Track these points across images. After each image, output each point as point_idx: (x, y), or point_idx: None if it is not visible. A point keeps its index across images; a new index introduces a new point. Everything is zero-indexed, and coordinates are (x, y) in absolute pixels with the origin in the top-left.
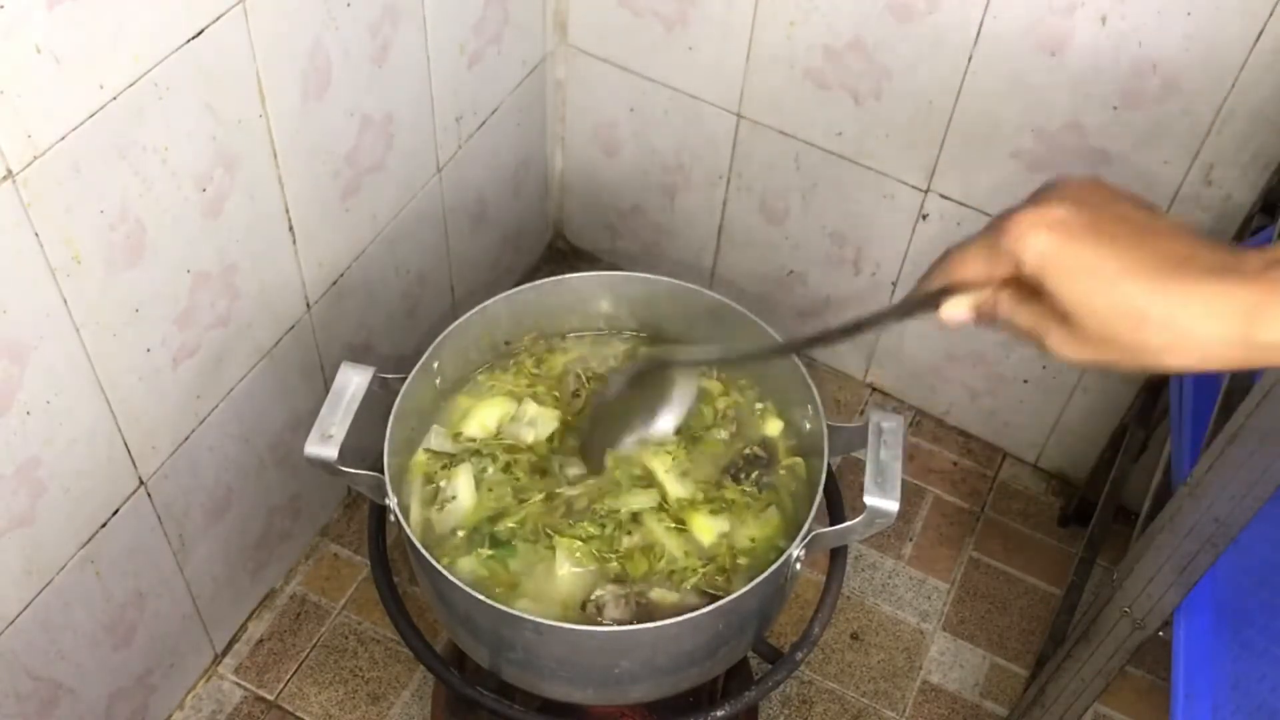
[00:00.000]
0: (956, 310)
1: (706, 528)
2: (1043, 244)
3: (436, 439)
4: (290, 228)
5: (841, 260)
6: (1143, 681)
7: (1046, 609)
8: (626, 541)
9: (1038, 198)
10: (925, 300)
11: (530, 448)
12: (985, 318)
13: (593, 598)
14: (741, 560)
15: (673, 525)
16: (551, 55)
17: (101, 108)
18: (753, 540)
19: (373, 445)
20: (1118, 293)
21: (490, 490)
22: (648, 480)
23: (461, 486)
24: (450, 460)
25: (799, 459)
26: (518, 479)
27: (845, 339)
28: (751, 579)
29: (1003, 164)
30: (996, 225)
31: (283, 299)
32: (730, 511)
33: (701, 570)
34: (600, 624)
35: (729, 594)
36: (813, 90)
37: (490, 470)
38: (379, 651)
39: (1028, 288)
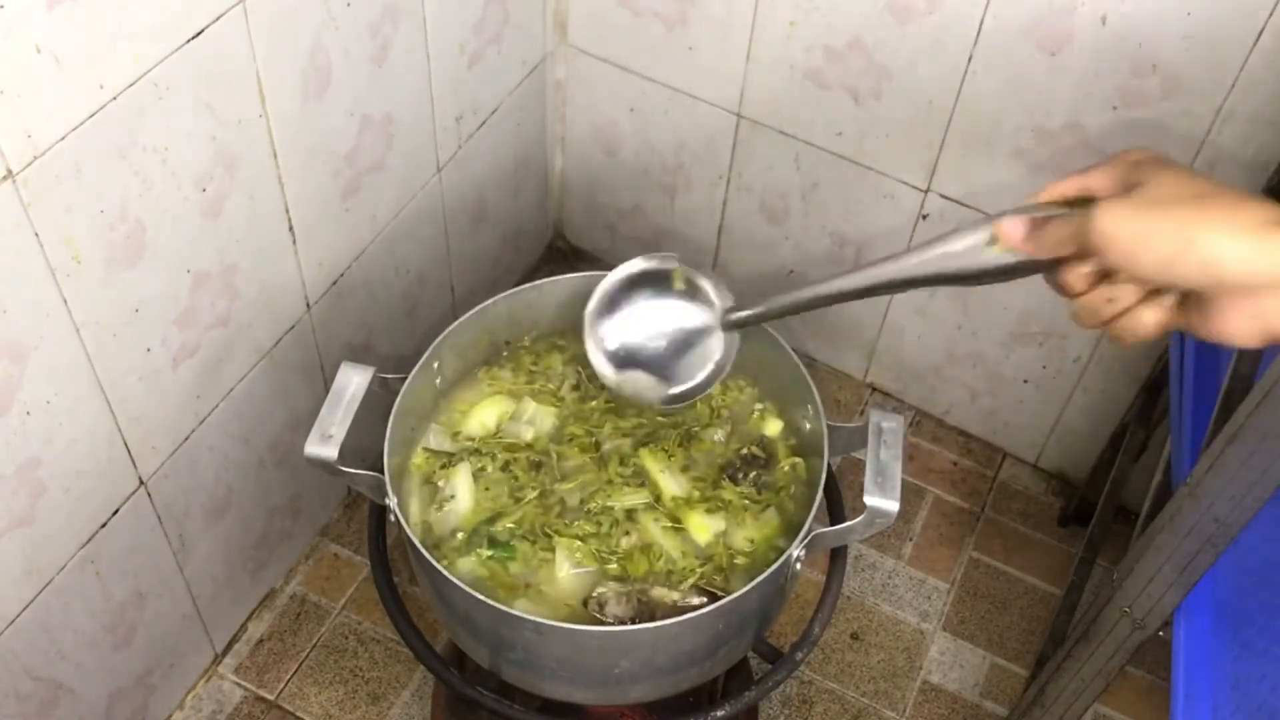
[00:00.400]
0: (1013, 222)
1: (702, 527)
2: (1146, 150)
3: (436, 438)
4: (290, 228)
5: (842, 260)
6: (1143, 681)
7: (1046, 609)
8: (625, 542)
9: (1111, 176)
10: (998, 216)
11: (529, 445)
12: (1035, 231)
13: (594, 595)
14: (740, 560)
15: (669, 524)
16: (551, 55)
17: (101, 108)
18: (751, 541)
19: (373, 445)
20: (1194, 179)
21: (488, 489)
22: (641, 478)
23: (460, 486)
24: (449, 460)
25: (799, 459)
26: (516, 478)
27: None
28: (751, 579)
29: (1003, 164)
30: (1078, 208)
31: (283, 299)
32: (727, 511)
33: (699, 570)
34: (602, 621)
35: (729, 594)
36: (813, 90)
37: (489, 469)
38: (379, 651)
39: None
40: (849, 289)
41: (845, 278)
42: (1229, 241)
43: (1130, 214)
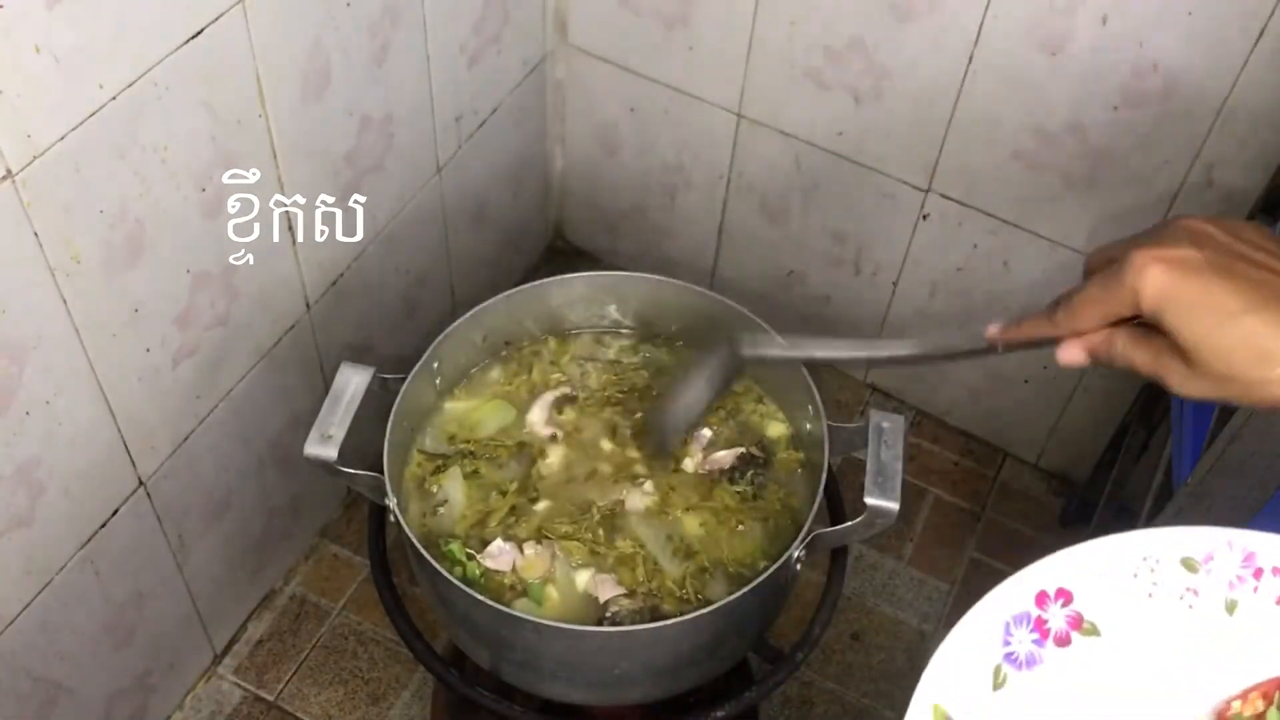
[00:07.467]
0: (1072, 354)
1: (695, 526)
2: (1161, 280)
3: (431, 440)
4: (290, 227)
5: (842, 260)
6: None
7: None
8: (620, 542)
9: (1154, 235)
10: (1042, 342)
11: (526, 445)
12: (1101, 358)
13: (609, 615)
14: (733, 565)
15: (665, 524)
16: (551, 55)
17: (101, 107)
18: (748, 542)
19: (372, 445)
20: (1240, 329)
21: (482, 491)
22: (631, 475)
23: (451, 490)
24: (443, 463)
25: (799, 459)
26: (510, 478)
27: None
28: (745, 581)
29: (1004, 164)
30: (1111, 265)
31: (282, 299)
32: (725, 511)
33: (697, 570)
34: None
35: (728, 595)
36: (813, 90)
37: (483, 471)
38: (379, 652)
39: (1143, 326)
40: (859, 357)
41: (857, 346)
42: None
43: (1206, 388)
